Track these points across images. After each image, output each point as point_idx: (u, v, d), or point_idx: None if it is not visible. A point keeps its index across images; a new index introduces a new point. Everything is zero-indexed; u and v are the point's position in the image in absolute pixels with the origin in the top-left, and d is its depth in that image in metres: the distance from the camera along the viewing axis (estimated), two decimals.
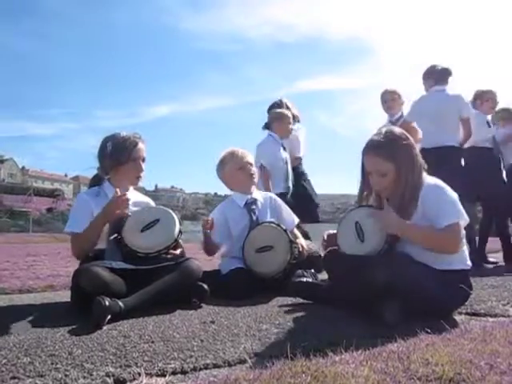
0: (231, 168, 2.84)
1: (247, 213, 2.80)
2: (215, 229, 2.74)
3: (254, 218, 2.79)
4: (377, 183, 2.10)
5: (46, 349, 1.47)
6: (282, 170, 4.21)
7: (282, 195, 3.73)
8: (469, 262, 2.06)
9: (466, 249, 2.08)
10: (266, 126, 4.38)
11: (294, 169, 4.46)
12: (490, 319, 2.00)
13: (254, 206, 2.83)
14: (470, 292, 2.05)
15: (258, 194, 2.92)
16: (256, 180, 2.92)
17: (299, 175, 4.57)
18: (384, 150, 2.04)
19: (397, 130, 2.15)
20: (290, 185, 4.30)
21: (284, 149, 4.30)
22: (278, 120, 4.28)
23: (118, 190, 2.21)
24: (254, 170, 2.91)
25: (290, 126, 4.31)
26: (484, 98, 4.78)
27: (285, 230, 2.57)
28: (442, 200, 1.99)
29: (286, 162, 4.28)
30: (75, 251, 2.26)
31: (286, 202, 3.45)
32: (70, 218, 2.33)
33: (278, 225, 2.61)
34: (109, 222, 2.19)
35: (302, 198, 4.37)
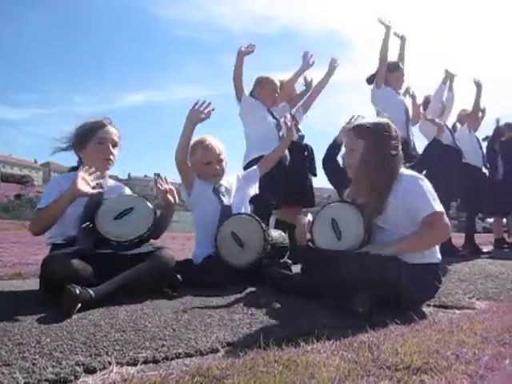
0: (198, 160, 2.77)
1: (216, 197, 2.75)
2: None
3: (225, 201, 2.74)
4: (347, 158, 2.23)
5: (13, 337, 1.43)
6: (272, 131, 3.59)
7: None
8: (439, 256, 2.12)
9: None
10: (251, 94, 3.79)
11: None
12: (457, 311, 2.07)
13: (221, 190, 2.79)
14: (439, 285, 2.11)
15: (223, 180, 2.86)
16: (222, 176, 2.83)
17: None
18: (359, 129, 2.18)
19: (384, 120, 2.23)
20: (286, 151, 3.60)
21: (273, 117, 3.71)
22: (259, 85, 3.77)
23: (86, 167, 2.14)
24: (223, 165, 2.81)
25: (276, 95, 3.78)
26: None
27: (263, 229, 2.50)
28: (422, 191, 2.05)
29: (279, 128, 3.65)
30: (33, 225, 2.16)
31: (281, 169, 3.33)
32: (41, 198, 2.28)
33: (259, 221, 2.55)
34: (73, 199, 2.09)
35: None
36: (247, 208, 2.90)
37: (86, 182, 2.10)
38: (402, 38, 4.37)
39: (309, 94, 4.24)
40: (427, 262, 2.06)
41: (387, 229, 2.10)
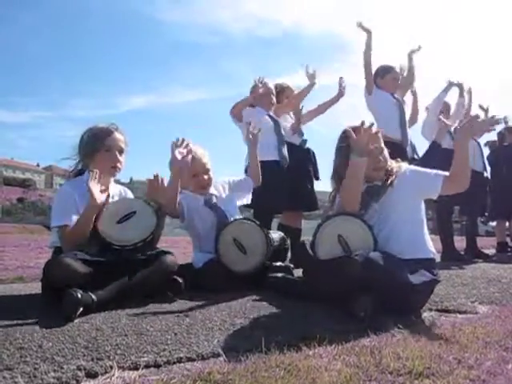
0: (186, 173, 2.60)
1: (210, 210, 2.67)
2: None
3: (221, 213, 2.67)
4: None
5: (15, 341, 1.43)
6: (270, 134, 3.53)
7: (275, 164, 3.52)
8: (434, 251, 2.21)
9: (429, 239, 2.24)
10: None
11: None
12: (459, 316, 2.06)
13: (213, 202, 2.71)
14: (439, 280, 2.10)
15: (211, 189, 2.78)
16: (210, 186, 2.74)
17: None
18: None
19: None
20: (285, 153, 3.64)
21: (272, 119, 3.68)
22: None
23: (92, 174, 2.15)
24: (210, 174, 2.72)
25: (272, 97, 3.74)
26: None
27: (265, 233, 2.49)
28: (421, 170, 2.31)
29: (278, 130, 3.67)
30: (68, 245, 2.15)
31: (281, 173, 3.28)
32: (54, 211, 2.25)
33: (260, 226, 2.54)
34: (97, 211, 2.13)
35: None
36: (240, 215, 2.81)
37: (98, 190, 2.13)
38: (410, 56, 4.37)
39: (314, 108, 4.23)
40: (424, 257, 2.12)
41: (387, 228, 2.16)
